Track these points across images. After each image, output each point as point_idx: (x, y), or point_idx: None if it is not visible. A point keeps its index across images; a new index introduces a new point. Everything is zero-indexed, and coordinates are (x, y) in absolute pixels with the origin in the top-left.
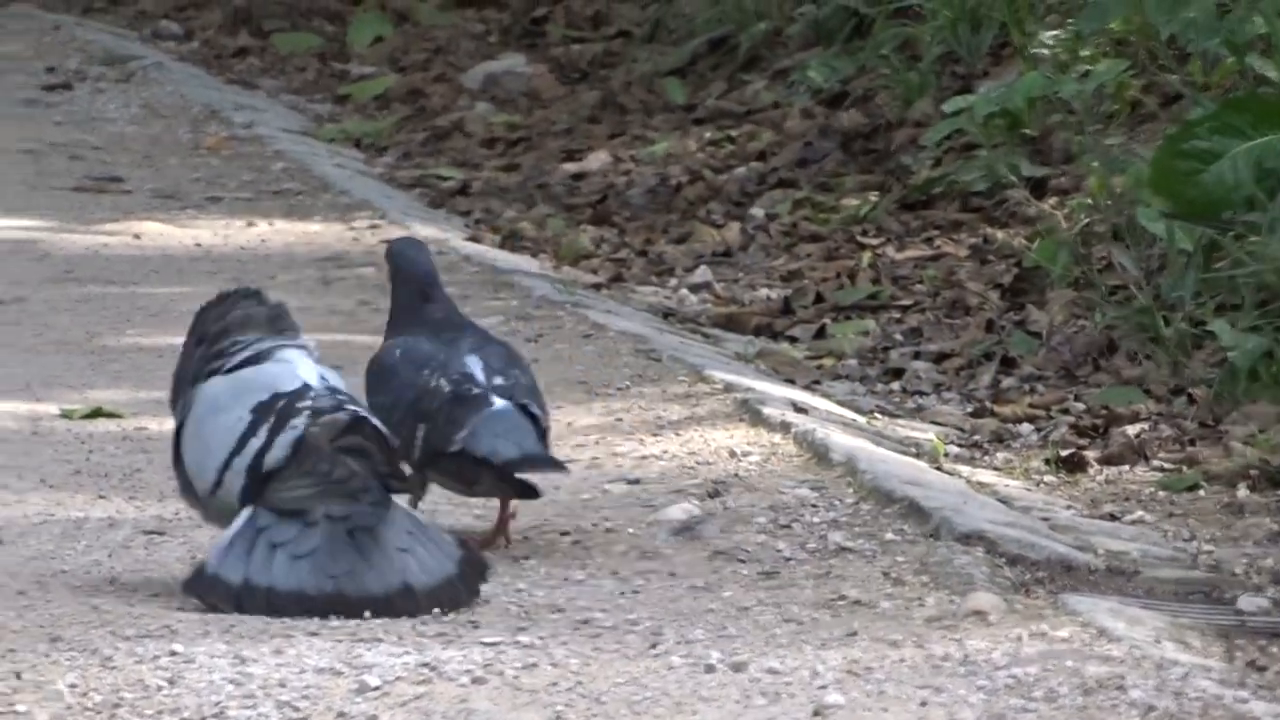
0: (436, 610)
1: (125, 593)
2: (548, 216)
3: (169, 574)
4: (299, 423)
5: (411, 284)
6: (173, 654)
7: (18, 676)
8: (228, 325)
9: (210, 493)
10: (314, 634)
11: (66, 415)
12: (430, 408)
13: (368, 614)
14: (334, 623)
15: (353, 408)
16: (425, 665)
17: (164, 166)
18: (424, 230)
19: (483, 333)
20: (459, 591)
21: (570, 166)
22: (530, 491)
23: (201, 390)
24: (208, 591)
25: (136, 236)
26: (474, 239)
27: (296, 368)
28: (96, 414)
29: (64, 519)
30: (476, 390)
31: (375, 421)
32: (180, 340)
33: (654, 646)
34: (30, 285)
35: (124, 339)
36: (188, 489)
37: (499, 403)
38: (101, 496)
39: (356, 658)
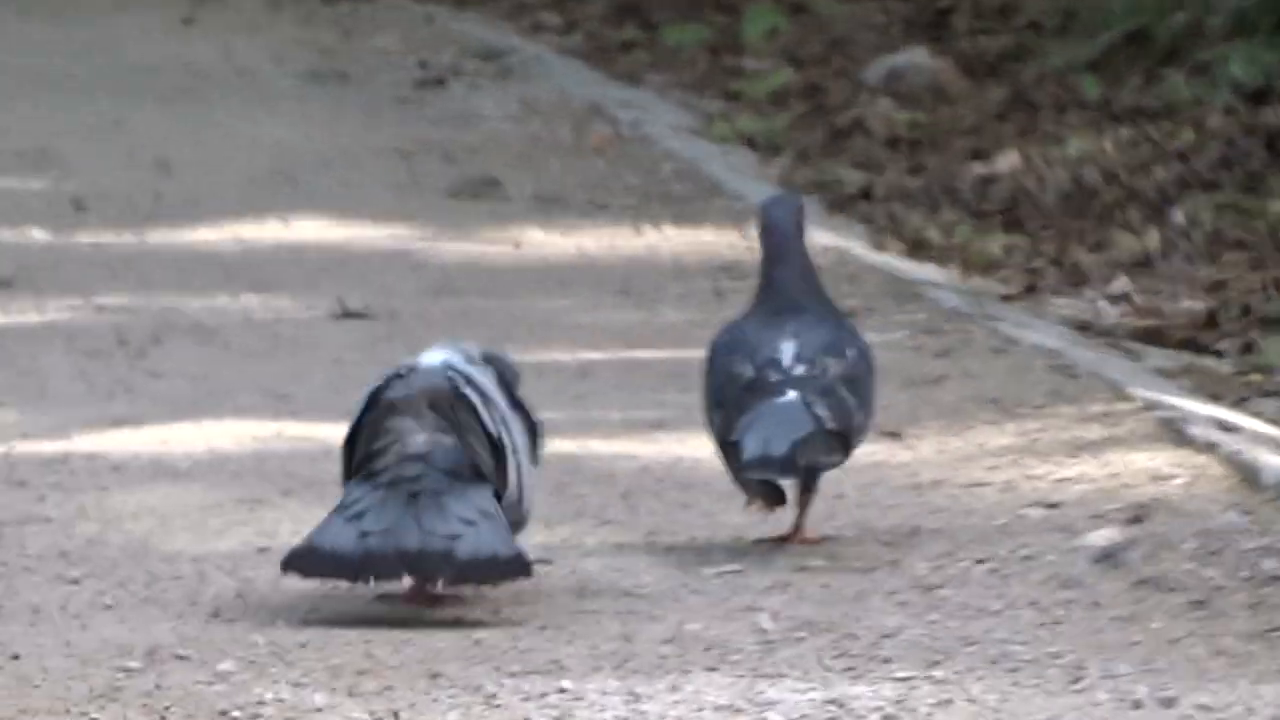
0: (474, 582)
1: (510, 625)
2: (955, 223)
3: (557, 605)
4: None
5: (766, 248)
6: (561, 691)
7: (395, 716)
8: None
9: None
10: (712, 669)
11: None
12: (729, 395)
13: (403, 572)
14: (734, 657)
15: (459, 379)
16: (832, 702)
17: (544, 169)
18: (823, 238)
19: (821, 310)
20: (497, 571)
21: (978, 168)
22: (778, 497)
23: None
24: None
25: (516, 245)
26: (878, 246)
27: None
28: None
29: None
30: (775, 378)
31: (474, 396)
32: (561, 356)
33: (1076, 681)
34: (404, 297)
35: None
36: None
37: (788, 395)
38: None
39: (759, 694)
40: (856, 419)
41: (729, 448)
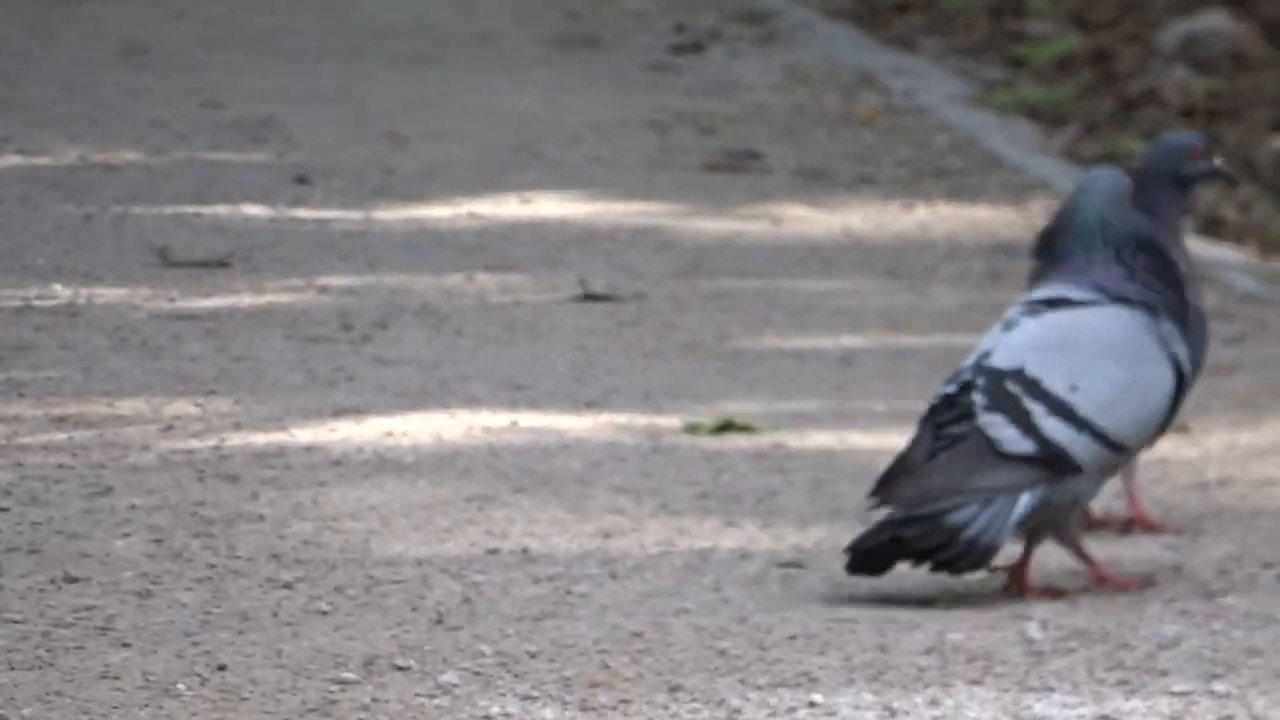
0: None
1: (758, 634)
2: (1253, 199)
3: (808, 613)
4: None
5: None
6: (811, 705)
7: None
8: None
9: None
10: (975, 682)
11: (692, 429)
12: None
13: None
14: (999, 669)
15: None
16: (1104, 718)
17: (809, 141)
18: None
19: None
20: None
21: (1279, 141)
22: None
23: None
24: None
25: (776, 222)
26: None
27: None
28: (727, 428)
29: (687, 549)
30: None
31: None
32: (821, 342)
33: None
34: (653, 279)
35: (761, 341)
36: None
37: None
38: (731, 524)
39: (1025, 709)
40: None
41: None
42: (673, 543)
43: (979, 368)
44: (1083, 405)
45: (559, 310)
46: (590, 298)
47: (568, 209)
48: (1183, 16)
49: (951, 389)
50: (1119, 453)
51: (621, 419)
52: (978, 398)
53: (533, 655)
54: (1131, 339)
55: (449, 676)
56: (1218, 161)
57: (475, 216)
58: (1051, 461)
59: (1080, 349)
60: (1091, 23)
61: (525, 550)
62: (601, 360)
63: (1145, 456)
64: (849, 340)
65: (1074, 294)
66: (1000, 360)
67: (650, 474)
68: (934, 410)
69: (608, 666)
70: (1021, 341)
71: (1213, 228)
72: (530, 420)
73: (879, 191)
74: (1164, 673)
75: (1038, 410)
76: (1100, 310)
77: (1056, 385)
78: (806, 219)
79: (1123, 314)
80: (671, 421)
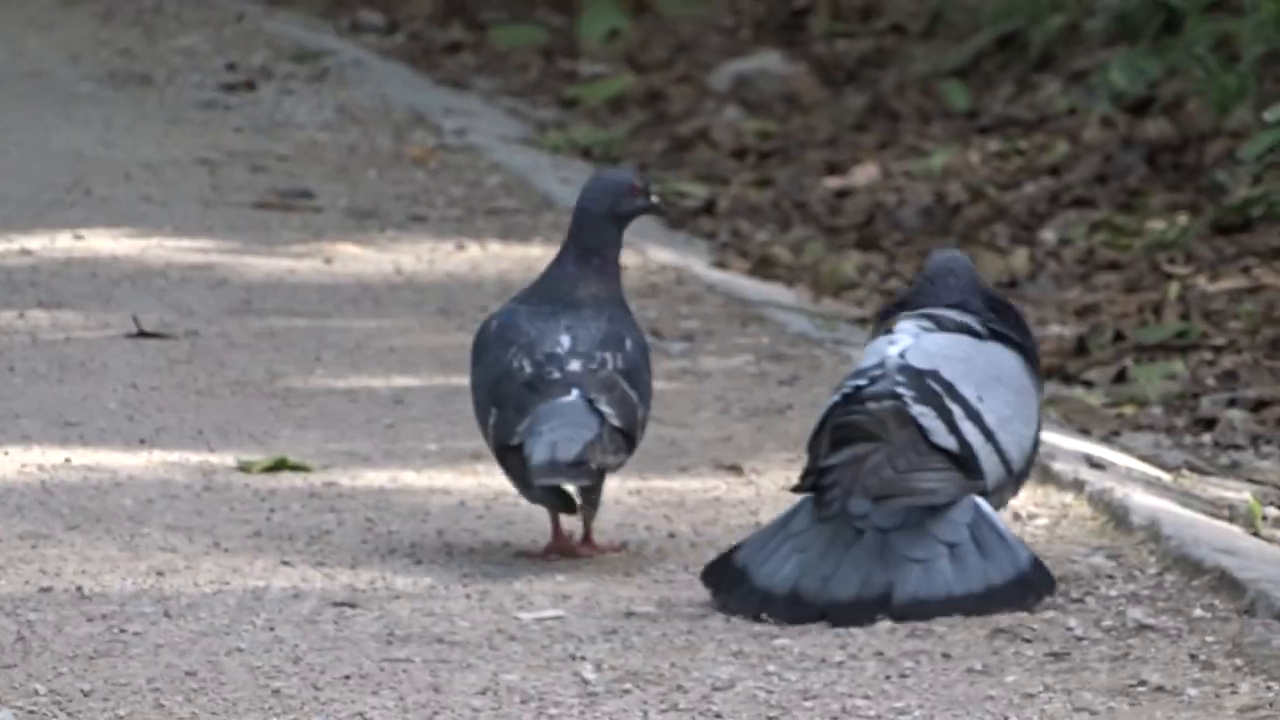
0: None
1: (311, 674)
2: (806, 240)
3: (362, 652)
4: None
5: (575, 225)
6: None
7: None
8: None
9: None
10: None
11: (245, 468)
12: (506, 391)
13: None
14: (553, 710)
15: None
16: None
17: (361, 180)
18: (661, 255)
19: (600, 302)
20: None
21: (832, 182)
22: (568, 505)
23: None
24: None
25: (328, 261)
26: (720, 265)
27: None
28: (280, 466)
29: (240, 588)
30: (554, 375)
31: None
32: (373, 382)
33: None
34: (205, 317)
35: (312, 380)
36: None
37: (570, 395)
38: (284, 562)
39: None
40: (640, 414)
41: (509, 452)
42: (226, 581)
43: (901, 367)
44: (988, 416)
45: (111, 347)
46: (143, 335)
47: (120, 246)
48: (736, 57)
49: (862, 381)
50: (1008, 475)
51: (174, 457)
52: (905, 391)
53: (86, 694)
54: (1017, 373)
55: (3, 715)
56: (654, 198)
57: (26, 253)
58: (965, 464)
59: (979, 368)
60: (644, 64)
61: (79, 588)
62: (154, 398)
63: (699, 497)
64: (401, 379)
65: (954, 315)
66: (917, 361)
67: (203, 512)
68: (836, 408)
69: (161, 705)
70: (933, 349)
71: (764, 268)
72: (83, 458)
73: (431, 230)
74: (719, 715)
75: (957, 411)
76: (989, 343)
77: (968, 392)
78: (358, 257)
79: (1007, 350)
80: (224, 459)
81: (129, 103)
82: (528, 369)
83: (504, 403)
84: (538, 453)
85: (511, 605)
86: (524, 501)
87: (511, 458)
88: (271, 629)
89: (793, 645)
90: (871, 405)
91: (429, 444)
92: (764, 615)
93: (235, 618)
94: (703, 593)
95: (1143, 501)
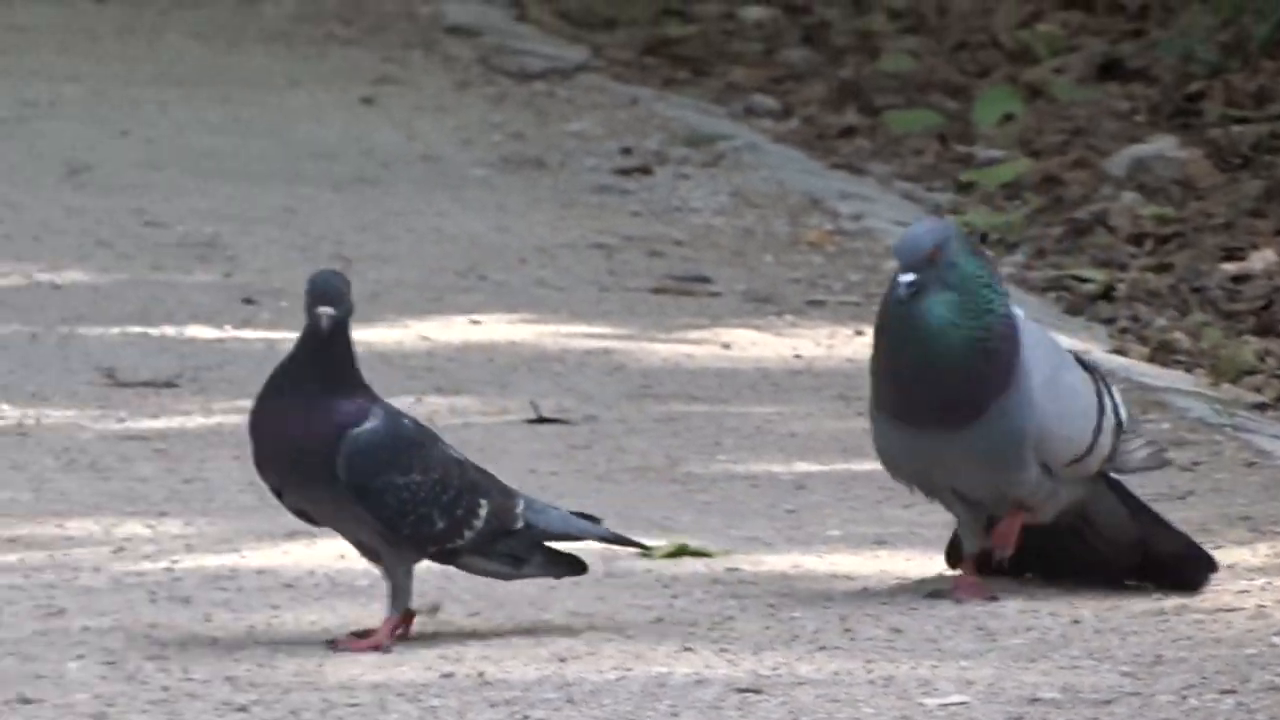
0: None
1: None
2: (1203, 325)
3: None
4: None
5: None
6: None
7: None
8: None
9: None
10: None
11: (646, 554)
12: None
13: None
14: None
15: None
16: None
17: (757, 264)
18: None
19: None
20: None
21: (1230, 267)
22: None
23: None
24: None
25: (726, 346)
26: (1119, 351)
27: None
28: (681, 552)
29: (643, 675)
30: None
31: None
32: (774, 467)
33: None
34: (603, 402)
35: (712, 465)
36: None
37: None
38: (687, 648)
39: None
40: None
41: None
42: (629, 667)
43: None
44: None
45: (510, 433)
46: (541, 420)
47: (516, 331)
48: (1131, 142)
49: None
50: None
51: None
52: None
53: None
54: None
55: None
56: None
57: (423, 338)
58: None
59: None
60: (1040, 148)
61: (481, 674)
62: (553, 483)
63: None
64: (801, 465)
65: None
66: None
67: (605, 598)
68: None
69: None
70: None
71: (1163, 353)
72: None
73: (829, 314)
74: None
75: None
76: None
77: None
78: (756, 343)
79: None
80: (625, 547)
81: (522, 187)
82: None
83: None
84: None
85: (916, 691)
86: (928, 588)
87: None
88: (675, 715)
89: None
90: None
91: (831, 529)
92: None
93: (639, 704)
94: (1107, 678)
95: None
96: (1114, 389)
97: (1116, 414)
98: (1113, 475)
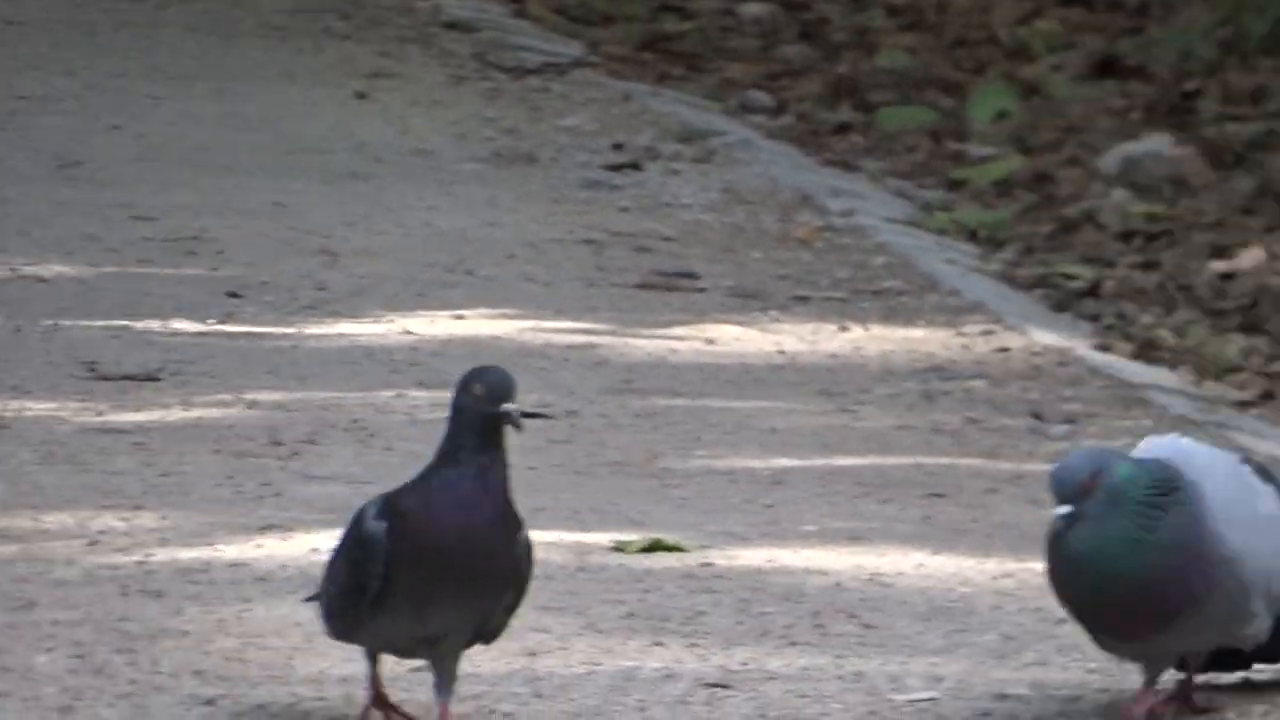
0: None
1: None
2: (1189, 323)
3: None
4: None
5: None
6: None
7: None
8: None
9: None
10: None
11: (620, 548)
12: None
13: None
14: None
15: None
16: None
17: (745, 261)
18: (1045, 337)
19: None
20: None
21: (1218, 265)
22: None
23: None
24: None
25: (709, 341)
26: (1103, 348)
27: None
28: (656, 547)
29: (613, 669)
30: None
31: None
32: (753, 462)
33: None
34: (585, 396)
35: (691, 460)
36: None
37: None
38: (658, 643)
39: None
40: None
41: None
42: (598, 662)
43: None
44: None
45: None
46: (524, 415)
47: (501, 326)
48: (1124, 140)
49: None
50: None
51: (549, 537)
52: None
53: None
54: None
55: None
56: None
57: (408, 333)
58: None
59: None
60: (1033, 146)
61: None
62: (530, 478)
63: None
64: (781, 460)
65: None
66: None
67: (577, 592)
68: None
69: None
70: None
71: (1147, 351)
72: None
73: (814, 311)
74: None
75: None
76: None
77: None
78: (740, 338)
79: None
80: (600, 539)
81: (513, 182)
82: None
83: None
84: None
85: (885, 687)
86: (901, 583)
87: None
88: (643, 710)
89: None
90: None
91: (807, 525)
92: None
93: (606, 698)
94: (1075, 675)
95: None
96: None
97: None
98: None
